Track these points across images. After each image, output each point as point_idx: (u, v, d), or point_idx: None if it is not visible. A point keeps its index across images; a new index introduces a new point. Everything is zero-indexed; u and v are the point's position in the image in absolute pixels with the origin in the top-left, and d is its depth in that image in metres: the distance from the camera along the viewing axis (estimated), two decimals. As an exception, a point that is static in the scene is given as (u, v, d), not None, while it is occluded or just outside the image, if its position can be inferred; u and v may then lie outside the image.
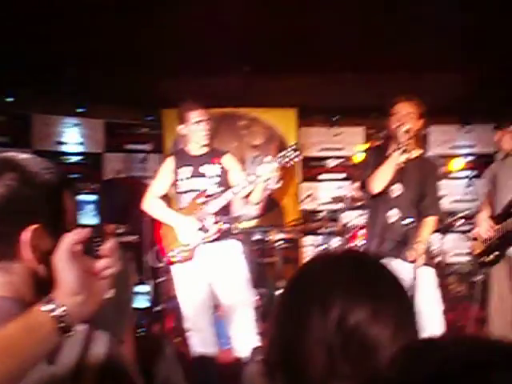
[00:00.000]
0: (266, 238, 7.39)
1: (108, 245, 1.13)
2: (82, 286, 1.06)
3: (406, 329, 0.97)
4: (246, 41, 5.46)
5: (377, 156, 4.16)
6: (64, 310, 1.04)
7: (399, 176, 3.96)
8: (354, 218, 7.15)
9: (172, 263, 4.46)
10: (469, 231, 6.20)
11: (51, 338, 1.05)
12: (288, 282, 1.09)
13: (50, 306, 1.04)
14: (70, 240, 1.08)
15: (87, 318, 1.12)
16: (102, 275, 1.12)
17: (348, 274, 1.01)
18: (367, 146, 7.83)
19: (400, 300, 1.01)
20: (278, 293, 6.37)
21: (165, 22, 4.95)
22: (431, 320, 3.82)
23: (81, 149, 7.87)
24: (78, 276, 1.06)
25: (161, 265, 4.65)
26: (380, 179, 3.97)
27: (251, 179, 4.16)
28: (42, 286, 1.16)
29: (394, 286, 1.03)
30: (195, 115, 4.37)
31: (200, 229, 4.31)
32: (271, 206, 8.14)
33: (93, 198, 1.41)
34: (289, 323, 1.00)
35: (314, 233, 7.98)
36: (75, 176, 7.52)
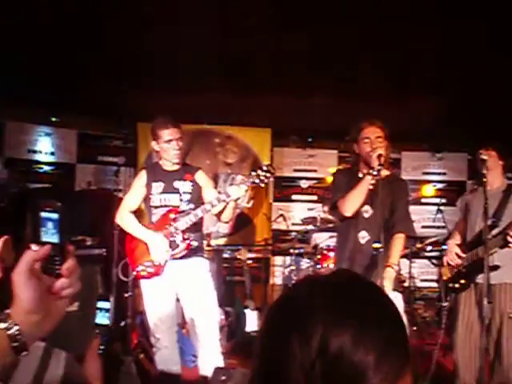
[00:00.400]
0: (236, 257, 7.38)
1: (68, 264, 1.11)
2: (39, 306, 1.04)
3: (391, 354, 0.91)
4: (225, 59, 5.48)
5: (347, 179, 4.18)
6: (18, 329, 1.01)
7: (369, 198, 3.99)
8: (325, 239, 7.18)
9: (140, 278, 4.42)
10: (437, 257, 6.26)
11: (5, 357, 1.02)
12: (271, 307, 1.04)
13: (4, 324, 1.01)
14: (29, 257, 1.06)
15: (43, 337, 1.10)
16: (60, 295, 1.10)
17: (330, 296, 0.96)
18: (338, 168, 7.90)
19: (386, 323, 0.96)
20: (245, 312, 6.35)
21: (145, 36, 4.94)
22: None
23: (53, 158, 7.81)
24: (35, 295, 1.04)
25: (128, 279, 4.60)
26: (352, 202, 3.98)
27: (222, 198, 4.15)
28: (2, 300, 1.13)
29: (382, 309, 0.98)
30: (167, 133, 4.33)
31: (169, 246, 4.28)
32: (242, 225, 8.14)
33: (55, 215, 1.38)
34: (270, 349, 0.96)
35: (284, 253, 7.97)
36: (46, 185, 7.45)
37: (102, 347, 1.61)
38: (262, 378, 0.96)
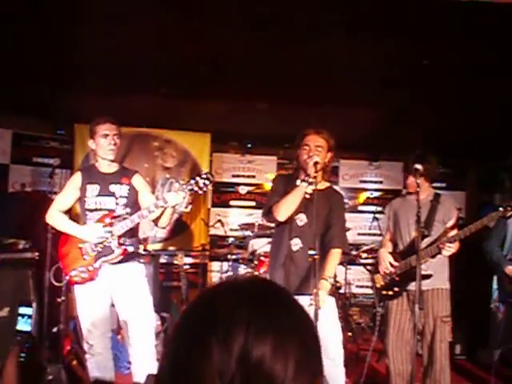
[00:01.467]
0: (173, 262, 7.32)
1: None
2: None
3: (308, 364, 0.92)
4: (165, 63, 5.44)
5: (285, 185, 4.20)
6: None
7: (304, 206, 4.02)
8: (262, 245, 7.20)
9: (73, 283, 4.32)
10: (373, 264, 6.40)
11: None
12: (187, 309, 1.01)
13: None
14: None
15: None
16: None
17: (253, 306, 0.95)
18: (278, 173, 7.96)
19: (304, 334, 0.96)
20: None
21: (85, 37, 4.86)
22: (330, 349, 3.86)
23: (-15, 158, 7.58)
24: None
25: (61, 284, 4.50)
26: (285, 207, 4.00)
27: (160, 204, 4.11)
28: None
29: (299, 319, 0.98)
30: (103, 128, 4.32)
31: (103, 248, 4.21)
32: (179, 230, 8.10)
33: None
34: (184, 353, 0.92)
35: (221, 259, 7.96)
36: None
37: (22, 355, 1.56)
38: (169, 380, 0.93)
